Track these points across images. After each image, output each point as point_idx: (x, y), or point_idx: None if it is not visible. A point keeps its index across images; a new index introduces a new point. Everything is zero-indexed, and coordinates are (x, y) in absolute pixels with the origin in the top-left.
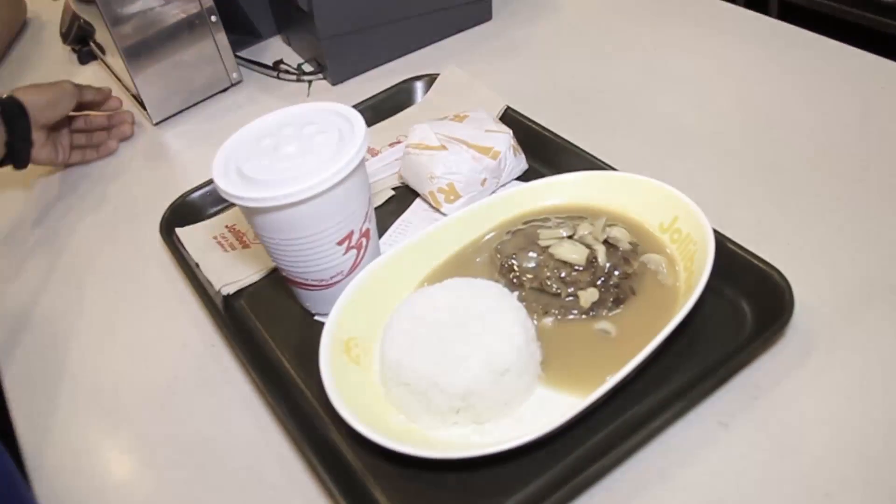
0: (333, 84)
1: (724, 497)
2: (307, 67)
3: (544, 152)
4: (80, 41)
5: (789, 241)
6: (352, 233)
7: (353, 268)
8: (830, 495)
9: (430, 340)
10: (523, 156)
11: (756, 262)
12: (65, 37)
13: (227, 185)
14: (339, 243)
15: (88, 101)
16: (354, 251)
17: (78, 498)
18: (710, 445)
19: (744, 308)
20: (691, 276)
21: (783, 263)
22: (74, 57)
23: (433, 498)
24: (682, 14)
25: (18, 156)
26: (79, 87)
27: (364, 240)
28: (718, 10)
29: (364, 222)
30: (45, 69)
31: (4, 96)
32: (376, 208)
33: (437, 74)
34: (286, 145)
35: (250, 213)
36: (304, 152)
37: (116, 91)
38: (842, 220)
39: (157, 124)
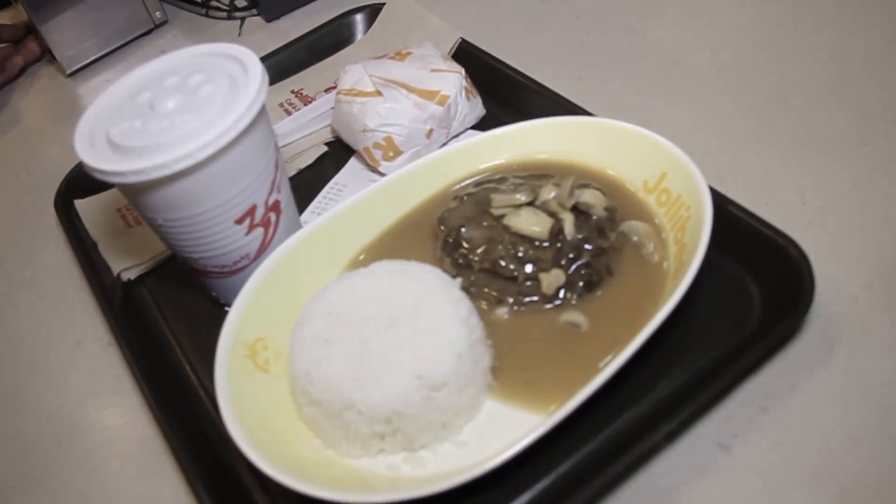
0: (268, 20)
1: None
2: (239, 3)
3: (506, 95)
4: None
5: (805, 200)
6: (254, 207)
7: (262, 250)
8: None
9: (348, 346)
10: (479, 99)
11: (765, 230)
12: None
13: (90, 156)
14: (239, 221)
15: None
16: (261, 230)
17: None
18: (705, 476)
19: (751, 290)
20: (683, 250)
21: (799, 230)
22: None
23: None
24: None
25: None
26: None
27: (273, 215)
28: None
29: (270, 193)
30: None
31: None
32: (307, 168)
33: (383, 4)
34: (165, 101)
35: (121, 189)
36: (185, 109)
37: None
38: (871, 170)
39: (70, 75)
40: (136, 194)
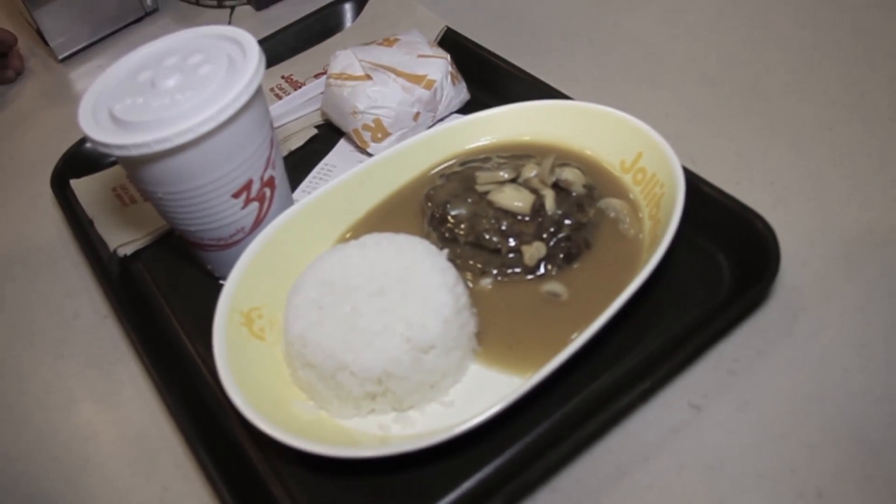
0: (258, 9)
1: (696, 497)
2: None
3: (489, 80)
4: None
5: (774, 181)
6: (250, 182)
7: (257, 223)
8: (823, 494)
9: (340, 312)
10: (464, 84)
11: (735, 206)
12: None
13: (94, 130)
14: (236, 195)
15: None
16: (256, 204)
17: None
18: (678, 433)
19: (721, 262)
20: (657, 225)
21: (767, 207)
22: None
23: (345, 501)
24: None
25: None
26: None
27: (268, 190)
28: None
29: (266, 169)
30: None
31: None
32: (297, 150)
33: None
34: (166, 79)
35: (123, 162)
36: (186, 87)
37: (21, 23)
38: (834, 153)
39: (62, 60)
40: (137, 167)
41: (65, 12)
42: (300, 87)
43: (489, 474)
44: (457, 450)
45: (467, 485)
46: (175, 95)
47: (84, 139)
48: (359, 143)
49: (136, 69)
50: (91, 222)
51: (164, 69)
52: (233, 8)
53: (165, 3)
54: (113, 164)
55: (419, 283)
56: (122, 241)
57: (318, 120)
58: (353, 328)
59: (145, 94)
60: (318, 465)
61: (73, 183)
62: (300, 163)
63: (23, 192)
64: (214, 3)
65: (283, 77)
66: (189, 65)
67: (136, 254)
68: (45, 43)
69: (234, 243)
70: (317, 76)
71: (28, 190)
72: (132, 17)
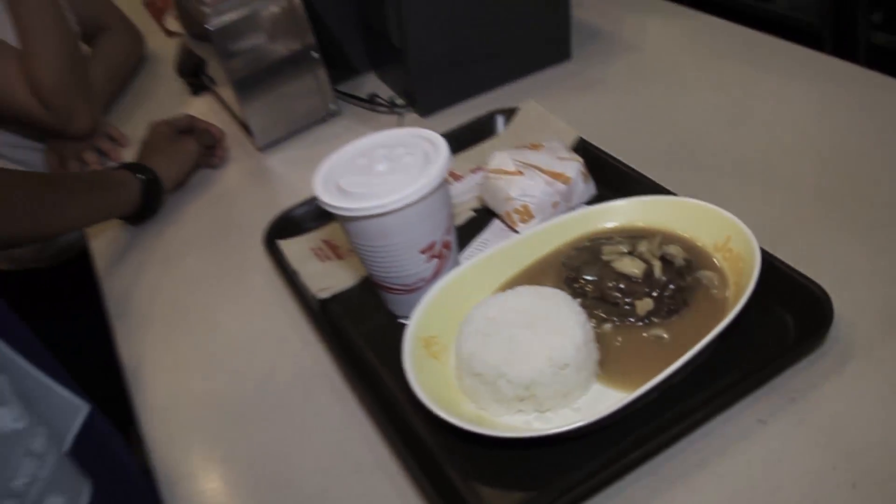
0: (423, 116)
1: (758, 484)
2: (399, 101)
3: (612, 180)
4: (193, 74)
5: (835, 262)
6: (434, 243)
7: (434, 275)
8: (856, 485)
9: (501, 337)
10: (593, 182)
11: (799, 278)
12: (179, 70)
13: (328, 197)
14: (423, 252)
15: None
16: (436, 260)
17: (185, 467)
18: (748, 439)
19: (786, 320)
20: (740, 290)
21: (826, 281)
22: (187, 88)
23: (498, 473)
24: (759, 58)
25: (140, 220)
26: (198, 141)
27: (445, 250)
28: (793, 54)
29: (445, 234)
30: (160, 100)
31: (144, 173)
32: (458, 227)
33: (517, 108)
34: (378, 164)
35: (346, 221)
36: (394, 171)
37: (225, 119)
38: (887, 244)
39: (261, 149)
40: (355, 225)
41: (267, 111)
42: (460, 179)
43: (607, 456)
44: (582, 439)
45: (590, 465)
46: (387, 176)
47: (287, 211)
48: (509, 223)
49: (354, 156)
50: (295, 273)
51: (376, 157)
52: (402, 114)
53: (346, 107)
54: (310, 229)
55: (559, 320)
56: (321, 287)
57: (476, 205)
58: (510, 349)
59: (364, 173)
60: (478, 444)
61: (280, 243)
62: (460, 237)
63: (236, 249)
64: (386, 109)
65: None
66: (394, 154)
67: (331, 298)
68: (249, 133)
69: (415, 289)
70: (472, 171)
71: (241, 248)
72: (318, 117)
